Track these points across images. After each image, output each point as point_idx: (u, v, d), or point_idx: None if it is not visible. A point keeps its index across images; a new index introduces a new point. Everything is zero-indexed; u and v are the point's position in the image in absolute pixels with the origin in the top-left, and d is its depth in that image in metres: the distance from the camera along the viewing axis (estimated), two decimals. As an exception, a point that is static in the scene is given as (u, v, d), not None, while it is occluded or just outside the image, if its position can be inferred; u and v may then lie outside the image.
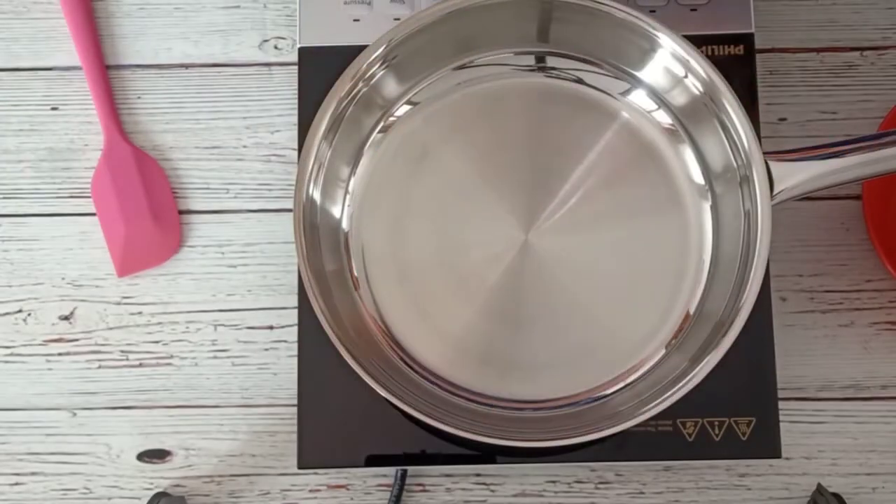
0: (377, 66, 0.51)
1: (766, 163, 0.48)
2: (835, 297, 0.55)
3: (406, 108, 0.54)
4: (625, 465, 0.53)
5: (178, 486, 0.54)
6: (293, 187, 0.50)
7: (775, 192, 0.48)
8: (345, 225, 0.53)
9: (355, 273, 0.53)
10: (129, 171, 0.56)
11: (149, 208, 0.55)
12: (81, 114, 0.57)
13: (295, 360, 0.52)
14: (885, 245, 0.51)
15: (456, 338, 0.52)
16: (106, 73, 0.57)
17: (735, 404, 0.51)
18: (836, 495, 0.52)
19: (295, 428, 0.52)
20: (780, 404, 0.51)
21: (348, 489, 0.54)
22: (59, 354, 0.55)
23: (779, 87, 0.57)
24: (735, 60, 0.54)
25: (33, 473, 0.54)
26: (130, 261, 0.55)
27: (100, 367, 0.55)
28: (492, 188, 0.53)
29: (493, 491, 0.54)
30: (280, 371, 0.55)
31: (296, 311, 0.52)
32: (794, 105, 0.57)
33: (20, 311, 0.55)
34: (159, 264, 0.55)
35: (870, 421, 0.54)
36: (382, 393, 0.47)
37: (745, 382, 0.51)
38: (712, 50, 0.54)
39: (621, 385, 0.51)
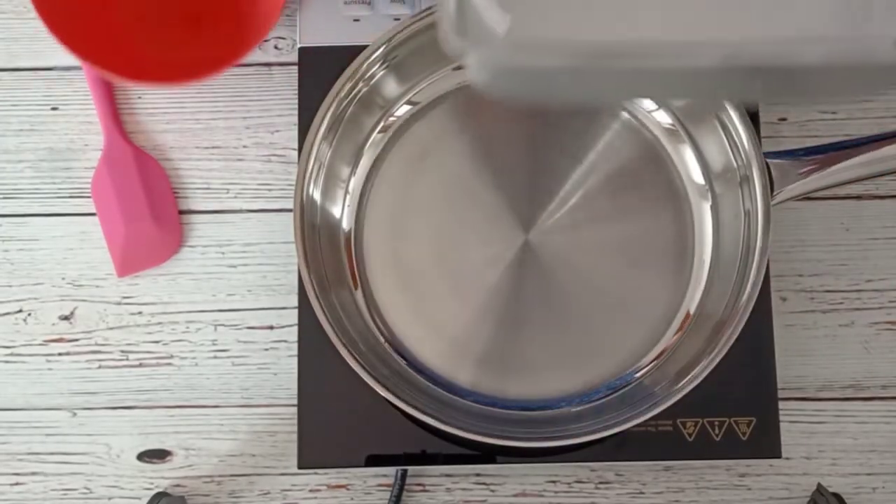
0: (377, 66, 0.51)
1: (766, 163, 0.48)
2: (835, 296, 0.55)
3: (406, 108, 0.54)
4: (625, 465, 0.53)
5: (178, 486, 0.54)
6: (293, 187, 0.50)
7: (775, 192, 0.48)
8: (345, 225, 0.53)
9: (355, 273, 0.53)
10: (129, 170, 0.56)
11: (149, 208, 0.55)
12: (81, 114, 0.57)
13: (295, 360, 0.52)
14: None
15: (456, 337, 0.52)
16: (106, 72, 0.57)
17: (735, 404, 0.51)
18: (836, 495, 0.52)
19: (295, 428, 0.52)
20: (781, 404, 0.51)
21: (348, 489, 0.54)
22: (59, 354, 0.55)
23: (779, 87, 0.57)
24: (735, 60, 0.54)
25: (33, 473, 0.54)
26: (130, 261, 0.55)
27: (100, 366, 0.55)
28: (492, 188, 0.53)
29: (493, 491, 0.54)
30: (280, 371, 0.55)
31: (296, 311, 0.52)
32: (795, 105, 0.57)
33: (20, 311, 0.55)
34: (159, 264, 0.55)
35: (870, 421, 0.54)
36: (382, 393, 0.47)
37: (746, 382, 0.51)
38: (712, 50, 0.54)
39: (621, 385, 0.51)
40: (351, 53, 0.50)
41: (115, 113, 0.57)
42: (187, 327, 0.55)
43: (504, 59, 0.31)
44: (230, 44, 0.53)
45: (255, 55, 0.58)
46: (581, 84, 0.34)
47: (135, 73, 0.51)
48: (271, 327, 0.55)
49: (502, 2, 0.31)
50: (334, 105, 0.50)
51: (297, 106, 0.54)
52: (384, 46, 0.50)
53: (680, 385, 0.47)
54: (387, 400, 0.47)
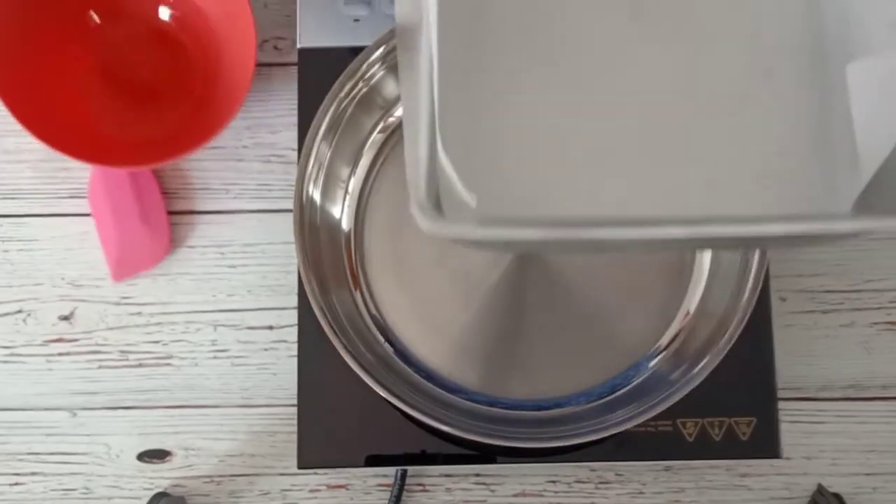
0: (377, 66, 0.51)
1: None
2: (835, 297, 0.55)
3: (406, 108, 0.54)
4: (625, 465, 0.53)
5: (177, 486, 0.54)
6: (293, 187, 0.50)
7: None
8: (345, 225, 0.53)
9: (355, 273, 0.53)
10: (121, 175, 0.55)
11: (139, 212, 0.55)
12: (81, 114, 0.57)
13: (295, 361, 0.52)
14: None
15: (456, 338, 0.52)
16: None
17: (735, 404, 0.51)
18: (836, 495, 0.52)
19: (295, 428, 0.51)
20: (781, 404, 0.51)
21: (348, 489, 0.54)
22: (59, 354, 0.55)
23: (779, 87, 0.57)
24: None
25: (33, 473, 0.54)
26: (124, 265, 0.55)
27: (99, 367, 0.55)
28: (492, 188, 0.53)
29: (493, 491, 0.54)
30: (280, 371, 0.55)
31: (296, 311, 0.52)
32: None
33: (20, 311, 0.55)
34: (150, 268, 0.55)
35: (870, 421, 0.54)
36: (382, 393, 0.47)
37: (746, 382, 0.51)
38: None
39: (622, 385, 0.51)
40: (351, 53, 0.50)
41: (113, 114, 0.57)
42: (187, 327, 0.55)
43: (473, 235, 0.32)
44: (194, 127, 0.53)
45: (254, 55, 0.58)
46: (552, 246, 0.35)
47: (96, 154, 0.51)
48: (271, 327, 0.55)
49: (468, 184, 0.32)
50: (334, 105, 0.50)
51: (297, 106, 0.54)
52: (384, 46, 0.50)
53: (680, 385, 0.47)
54: (386, 400, 0.47)
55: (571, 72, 0.37)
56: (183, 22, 0.56)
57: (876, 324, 0.55)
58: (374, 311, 0.52)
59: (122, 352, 0.55)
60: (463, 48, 0.37)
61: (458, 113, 0.36)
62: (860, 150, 0.35)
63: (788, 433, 0.53)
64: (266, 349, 0.55)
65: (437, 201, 0.33)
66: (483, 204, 0.33)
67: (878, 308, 0.55)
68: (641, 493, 0.53)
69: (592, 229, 0.30)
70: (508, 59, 0.37)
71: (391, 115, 0.54)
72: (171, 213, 0.56)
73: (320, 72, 0.53)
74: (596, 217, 0.31)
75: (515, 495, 0.53)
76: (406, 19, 0.33)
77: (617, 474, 0.54)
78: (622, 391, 0.51)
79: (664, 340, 0.52)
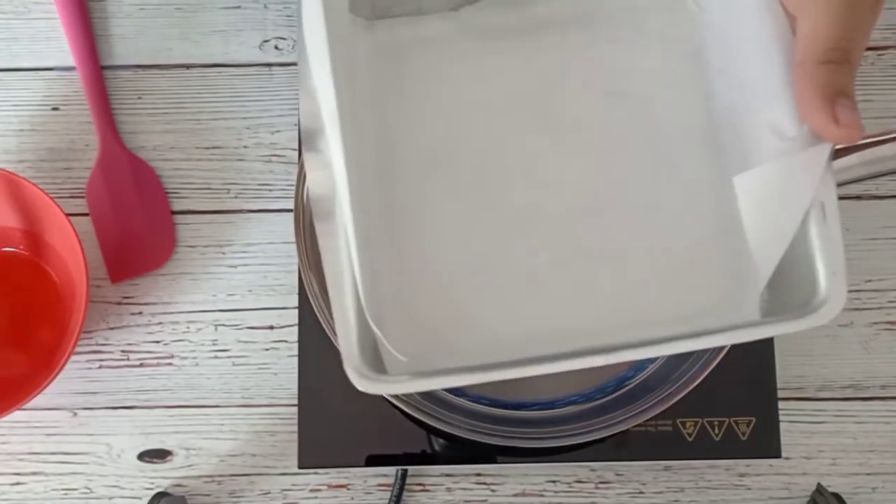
0: (377, 67, 0.51)
1: (766, 163, 0.48)
2: (834, 297, 0.55)
3: (406, 108, 0.54)
4: (625, 464, 0.53)
5: (178, 485, 0.54)
6: (293, 187, 0.50)
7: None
8: (345, 225, 0.53)
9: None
10: (123, 177, 0.55)
11: (143, 215, 0.55)
12: (82, 114, 0.57)
13: (295, 360, 0.52)
14: None
15: (456, 338, 0.52)
16: (102, 80, 0.57)
17: (735, 404, 0.51)
18: (835, 495, 0.52)
19: (295, 428, 0.52)
20: (780, 404, 0.51)
21: (349, 489, 0.54)
22: (60, 354, 0.55)
23: (779, 88, 0.57)
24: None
25: (34, 473, 0.54)
26: (124, 267, 0.55)
27: (100, 366, 0.55)
28: (492, 188, 0.53)
29: (493, 491, 0.54)
30: (280, 371, 0.55)
31: (296, 311, 0.52)
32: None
33: (21, 311, 0.56)
34: (152, 270, 0.55)
35: (870, 421, 0.54)
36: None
37: (745, 382, 0.51)
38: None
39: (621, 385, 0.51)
40: (351, 54, 0.50)
41: (110, 117, 0.56)
42: (188, 327, 0.55)
43: (407, 389, 0.34)
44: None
45: (255, 55, 0.58)
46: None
47: None
48: (272, 327, 0.55)
49: (396, 344, 0.35)
50: (334, 105, 0.50)
51: (297, 105, 0.54)
52: (384, 47, 0.50)
53: (680, 385, 0.47)
54: (387, 400, 0.47)
55: (484, 199, 0.39)
56: (37, 253, 0.54)
57: (875, 324, 0.55)
58: (374, 310, 0.52)
59: (123, 351, 0.55)
60: (377, 206, 0.38)
61: (378, 270, 0.37)
62: (755, 254, 0.36)
63: (788, 433, 0.53)
64: (267, 349, 0.55)
65: (375, 355, 0.35)
66: (414, 358, 0.35)
67: (878, 308, 0.55)
68: (641, 492, 0.54)
69: (518, 369, 0.33)
70: (423, 201, 0.39)
71: (391, 116, 0.54)
72: (172, 212, 0.56)
73: (321, 72, 0.53)
74: (519, 358, 0.33)
75: (516, 495, 0.54)
76: (319, 190, 0.35)
77: (617, 474, 0.54)
78: (622, 391, 0.51)
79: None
